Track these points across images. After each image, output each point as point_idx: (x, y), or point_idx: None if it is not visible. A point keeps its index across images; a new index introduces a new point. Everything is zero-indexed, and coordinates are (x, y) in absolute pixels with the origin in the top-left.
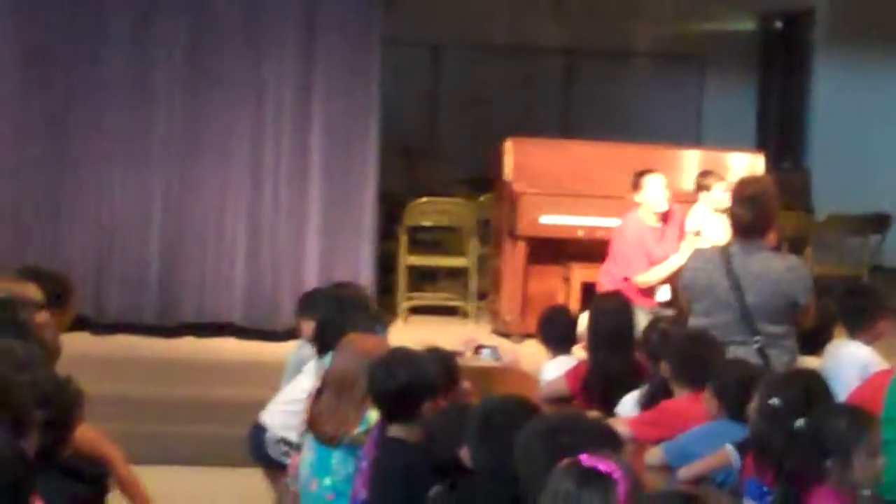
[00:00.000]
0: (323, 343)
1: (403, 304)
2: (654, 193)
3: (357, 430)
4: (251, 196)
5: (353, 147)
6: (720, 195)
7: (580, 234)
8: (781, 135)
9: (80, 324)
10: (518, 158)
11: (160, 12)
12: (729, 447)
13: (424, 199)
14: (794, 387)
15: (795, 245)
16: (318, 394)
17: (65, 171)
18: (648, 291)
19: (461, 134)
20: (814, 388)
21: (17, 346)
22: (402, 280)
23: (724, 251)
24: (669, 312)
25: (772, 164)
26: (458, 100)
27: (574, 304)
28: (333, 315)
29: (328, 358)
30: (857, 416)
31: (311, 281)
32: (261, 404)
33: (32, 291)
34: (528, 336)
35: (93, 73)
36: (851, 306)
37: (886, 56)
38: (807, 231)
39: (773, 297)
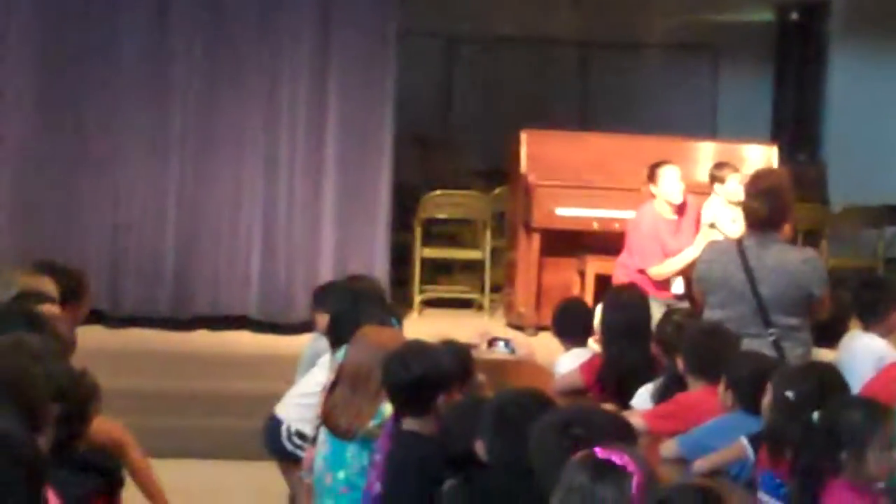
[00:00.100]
0: (337, 336)
1: (418, 297)
2: (669, 185)
3: (371, 424)
4: (266, 189)
5: (368, 139)
6: (734, 187)
7: (595, 226)
8: (797, 126)
9: (95, 317)
10: (533, 150)
11: (175, 8)
12: (743, 440)
13: (439, 192)
14: (808, 379)
15: (811, 237)
16: (333, 387)
17: (80, 166)
18: (663, 283)
19: (476, 125)
20: (828, 381)
21: (32, 340)
22: (416, 272)
23: (739, 244)
24: (684, 305)
25: (787, 155)
26: (473, 91)
27: (589, 296)
28: (348, 308)
29: (342, 351)
30: (872, 409)
31: (326, 274)
32: (276, 397)
33: (48, 285)
34: (543, 329)
35: (108, 68)
36: (866, 298)
37: None
38: (822, 223)
39: (788, 288)
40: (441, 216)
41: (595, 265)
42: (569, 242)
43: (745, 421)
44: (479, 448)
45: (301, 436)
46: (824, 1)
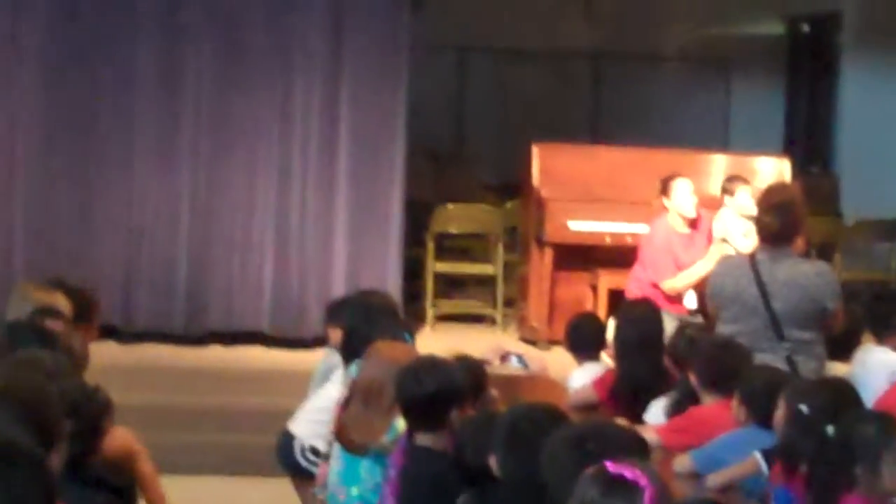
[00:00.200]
0: (350, 351)
1: (430, 312)
2: (682, 198)
3: (385, 439)
4: (278, 203)
5: (381, 152)
6: (744, 199)
7: (608, 240)
8: (809, 139)
9: (108, 333)
10: (545, 164)
11: (187, 17)
12: (757, 454)
13: (451, 206)
14: (822, 393)
15: (824, 250)
16: (346, 402)
17: (92, 178)
18: (676, 297)
19: (488, 139)
20: (842, 395)
21: (45, 356)
22: (429, 287)
23: (752, 258)
24: (697, 319)
25: (800, 168)
26: (486, 104)
27: (601, 310)
28: (361, 323)
29: (355, 366)
30: (887, 423)
31: (339, 288)
32: (289, 413)
33: (61, 302)
34: (556, 343)
35: (119, 79)
36: (879, 311)
37: None
38: (835, 236)
39: (801, 302)
40: (453, 230)
41: (608, 279)
42: (581, 256)
43: (758, 435)
44: (493, 463)
45: (314, 451)
46: (835, 13)
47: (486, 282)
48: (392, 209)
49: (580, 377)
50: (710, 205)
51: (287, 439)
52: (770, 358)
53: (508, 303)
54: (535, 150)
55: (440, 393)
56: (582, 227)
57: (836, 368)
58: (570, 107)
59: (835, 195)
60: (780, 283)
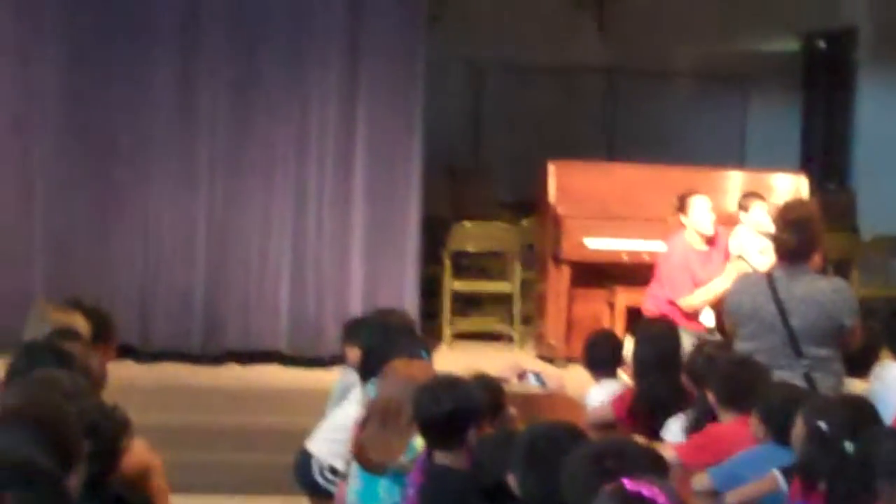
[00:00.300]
0: (368, 369)
1: (448, 330)
2: (699, 215)
3: (403, 458)
4: (294, 221)
5: (397, 170)
6: (760, 215)
7: (624, 257)
8: (826, 155)
9: (126, 352)
10: (561, 181)
11: (204, 37)
12: (776, 472)
13: (468, 224)
14: (840, 410)
15: (841, 267)
16: (364, 421)
17: (109, 198)
18: (694, 314)
19: (505, 156)
20: (860, 412)
21: (63, 377)
22: (446, 305)
23: (769, 275)
24: (715, 336)
25: (816, 184)
26: (501, 122)
27: (619, 328)
28: (379, 341)
29: (373, 385)
30: None
31: (355, 307)
32: (306, 432)
33: (78, 322)
34: (573, 361)
35: (136, 99)
36: None
37: None
38: (852, 252)
39: (819, 319)
40: (470, 248)
41: (625, 296)
42: (598, 274)
43: (777, 453)
44: (511, 482)
45: (333, 471)
46: (851, 29)
47: (503, 299)
48: (409, 227)
49: (598, 395)
50: (727, 222)
51: (305, 458)
52: (788, 375)
53: (526, 320)
54: (551, 168)
55: (458, 411)
56: (599, 244)
57: (854, 385)
58: (586, 124)
59: (852, 211)
60: (797, 300)
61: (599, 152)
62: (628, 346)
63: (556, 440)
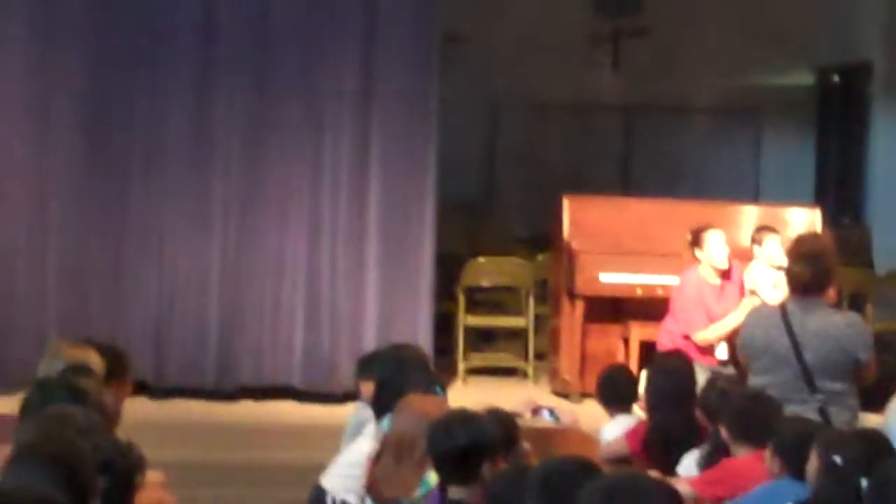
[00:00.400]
0: (382, 404)
1: (462, 365)
2: (715, 250)
3: (417, 493)
4: (309, 257)
5: (411, 206)
6: (773, 249)
7: (639, 292)
8: (840, 189)
9: (140, 389)
10: (575, 216)
11: (219, 75)
12: None
13: (482, 259)
14: (855, 444)
15: (855, 301)
16: (378, 456)
17: (124, 235)
18: (708, 349)
19: (519, 191)
20: (875, 446)
21: (77, 413)
22: (460, 341)
23: (783, 309)
24: (729, 370)
25: (830, 219)
26: (516, 157)
27: (633, 363)
28: (392, 376)
29: (387, 420)
30: None
31: (369, 343)
32: (321, 467)
33: (93, 358)
34: (588, 396)
35: (151, 136)
36: None
37: None
38: (867, 287)
39: (832, 353)
40: (484, 283)
41: (639, 331)
42: (612, 309)
43: (792, 487)
44: None
45: None
46: (865, 63)
47: (518, 335)
48: (423, 263)
49: (612, 430)
50: (742, 256)
51: (319, 494)
52: (802, 409)
53: (540, 356)
54: (566, 203)
55: (472, 446)
56: (613, 279)
57: (869, 419)
58: (601, 159)
59: (866, 246)
60: (811, 334)
61: (614, 188)
62: (643, 382)
63: (569, 474)
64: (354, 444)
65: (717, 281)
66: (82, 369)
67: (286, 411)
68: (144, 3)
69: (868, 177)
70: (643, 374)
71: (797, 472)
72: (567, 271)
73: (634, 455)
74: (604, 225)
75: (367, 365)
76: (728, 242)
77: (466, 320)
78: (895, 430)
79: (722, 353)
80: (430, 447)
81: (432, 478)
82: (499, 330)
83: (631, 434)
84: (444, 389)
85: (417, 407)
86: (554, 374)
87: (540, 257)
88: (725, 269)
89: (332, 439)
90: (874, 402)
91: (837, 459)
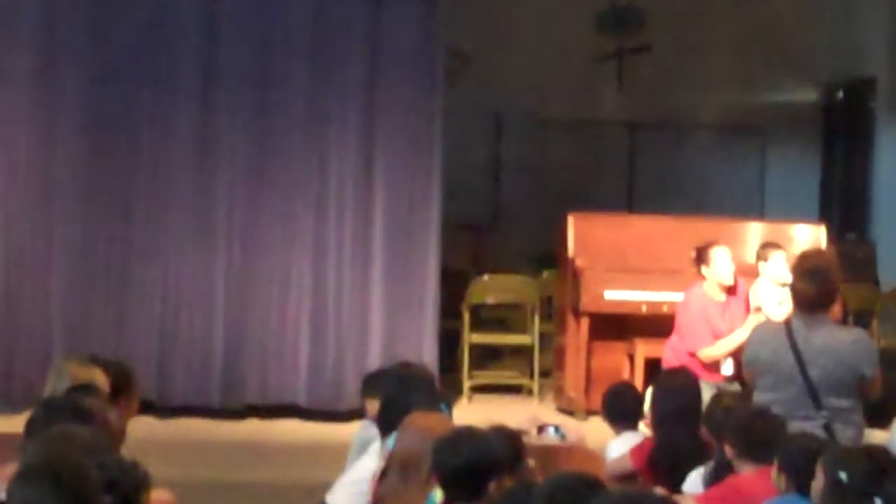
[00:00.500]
0: (387, 422)
1: (467, 383)
2: (721, 266)
3: None
4: (313, 275)
5: (416, 223)
6: (779, 265)
7: (644, 309)
8: (845, 206)
9: (145, 408)
10: (580, 234)
11: (223, 93)
12: None
13: (487, 277)
14: (860, 461)
15: (861, 317)
16: (383, 474)
17: (129, 254)
18: (713, 366)
19: (524, 208)
20: (881, 462)
21: (82, 432)
22: (465, 358)
23: (787, 325)
24: (734, 387)
25: (836, 235)
26: (521, 174)
27: (639, 380)
28: (398, 394)
29: (393, 438)
30: None
31: (375, 361)
32: (326, 486)
33: (98, 377)
34: (593, 413)
35: (155, 154)
36: None
37: None
38: (872, 303)
39: (837, 370)
40: (489, 301)
41: (644, 348)
42: (618, 326)
43: None
44: None
45: None
46: (869, 79)
47: (523, 352)
48: (428, 281)
49: (618, 447)
50: (747, 272)
51: None
52: (807, 426)
53: (545, 373)
54: (571, 220)
55: (478, 464)
56: (618, 296)
57: (875, 436)
58: (606, 176)
59: (871, 262)
60: (816, 351)
61: (619, 205)
62: (649, 399)
63: (575, 492)
64: (360, 461)
65: (722, 297)
66: (88, 388)
67: (291, 429)
68: (148, 18)
69: (873, 193)
70: (648, 392)
71: (803, 489)
72: (572, 288)
73: (640, 472)
74: (609, 242)
75: (373, 383)
76: (733, 259)
77: (471, 338)
78: None
79: (728, 369)
80: (435, 465)
81: (438, 495)
82: (504, 347)
83: (636, 451)
84: (449, 407)
85: (423, 425)
86: (559, 392)
87: (545, 274)
88: (731, 285)
89: (338, 457)
90: (879, 419)
91: (843, 476)
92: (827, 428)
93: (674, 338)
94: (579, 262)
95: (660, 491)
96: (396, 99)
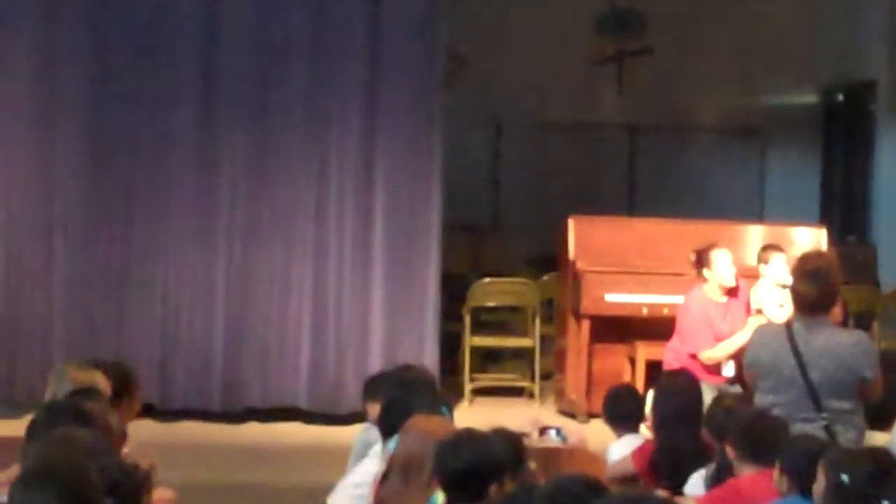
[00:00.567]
0: (388, 425)
1: (468, 386)
2: (723, 269)
3: None
4: (314, 278)
5: (416, 227)
6: (780, 268)
7: (644, 311)
8: (845, 208)
9: (146, 411)
10: (580, 236)
11: (224, 96)
12: None
13: (488, 280)
14: (862, 463)
15: (861, 320)
16: (384, 477)
17: (129, 258)
18: (714, 368)
19: (524, 211)
20: (883, 464)
21: (84, 435)
22: (466, 361)
23: (788, 328)
24: (736, 389)
25: (836, 237)
26: (521, 177)
27: (640, 382)
28: (399, 397)
29: (394, 441)
30: None
31: (375, 364)
32: (328, 489)
33: (100, 381)
34: (594, 416)
35: (156, 157)
36: None
37: None
38: (873, 305)
39: (838, 372)
40: (490, 304)
41: (645, 351)
42: (618, 328)
43: None
44: None
45: None
46: (870, 82)
47: (524, 355)
48: (428, 284)
49: (619, 450)
50: (748, 275)
51: None
52: (808, 428)
53: (546, 376)
54: (571, 223)
55: (479, 466)
56: (619, 298)
57: (876, 438)
58: (606, 179)
59: (872, 264)
60: (816, 354)
61: (620, 208)
62: (650, 401)
63: (576, 494)
64: (361, 464)
65: (723, 299)
66: (89, 392)
67: (292, 433)
68: (148, 18)
69: (873, 195)
70: (650, 394)
71: (805, 491)
72: (573, 291)
73: (641, 474)
74: (609, 245)
75: (374, 386)
76: (734, 262)
77: (472, 341)
78: None
79: (729, 371)
80: (437, 467)
81: (439, 498)
82: (505, 350)
83: (637, 453)
84: (450, 410)
85: (424, 427)
86: (560, 394)
87: (545, 277)
88: (733, 286)
89: (339, 460)
90: (880, 421)
91: (845, 478)
92: (828, 430)
93: (675, 340)
94: (580, 265)
95: (661, 493)
96: (396, 105)
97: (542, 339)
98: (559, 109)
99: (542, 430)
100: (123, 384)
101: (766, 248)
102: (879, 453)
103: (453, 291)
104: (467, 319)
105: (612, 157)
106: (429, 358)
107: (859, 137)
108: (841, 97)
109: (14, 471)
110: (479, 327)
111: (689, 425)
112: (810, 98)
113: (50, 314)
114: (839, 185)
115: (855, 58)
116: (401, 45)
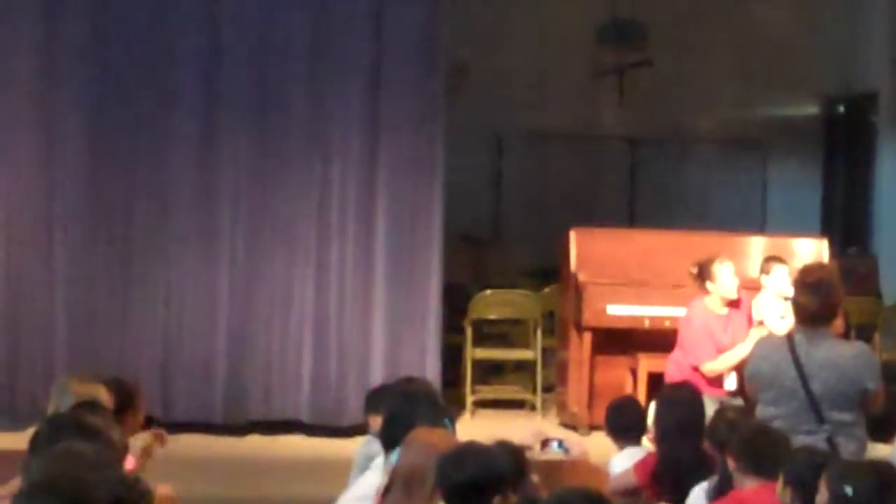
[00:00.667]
0: (390, 438)
1: (470, 398)
2: (726, 281)
3: None
4: (316, 291)
5: (417, 239)
6: (781, 278)
7: (646, 323)
8: (847, 219)
9: (147, 423)
10: (582, 248)
11: (225, 108)
12: None
13: (489, 292)
14: (864, 475)
15: (863, 331)
16: (386, 490)
17: (131, 270)
18: (716, 380)
19: (526, 223)
20: (885, 476)
21: (86, 448)
22: (467, 373)
23: (789, 339)
24: (738, 401)
25: (838, 249)
26: (522, 189)
27: (641, 394)
28: (401, 409)
29: (396, 453)
30: None
31: (377, 376)
32: (330, 501)
33: (102, 394)
34: (596, 428)
35: (156, 172)
36: None
37: None
38: (875, 317)
39: (839, 384)
40: (491, 316)
41: (647, 363)
42: (620, 340)
43: None
44: None
45: None
46: (871, 94)
47: (525, 367)
48: (430, 296)
49: (621, 462)
50: (749, 286)
51: None
52: (810, 440)
53: (548, 388)
54: (573, 235)
55: (482, 479)
56: (620, 311)
57: (877, 449)
58: (607, 191)
59: (874, 276)
60: (818, 366)
61: (620, 219)
62: (652, 413)
63: None
64: (363, 477)
65: (725, 311)
66: (92, 405)
67: (294, 445)
68: (148, 18)
69: (875, 206)
70: (652, 406)
71: (809, 503)
72: (574, 303)
73: (643, 487)
74: (611, 256)
75: (376, 398)
76: (735, 273)
77: (474, 353)
78: None
79: (731, 383)
80: (439, 480)
81: None
82: (506, 362)
83: (639, 465)
84: (452, 422)
85: (426, 440)
86: (562, 406)
87: (547, 289)
88: (735, 298)
89: (341, 473)
90: (882, 433)
91: (848, 491)
92: (829, 442)
93: (677, 352)
94: (581, 277)
95: None
96: (398, 116)
97: (544, 351)
98: (560, 121)
99: (545, 443)
100: (126, 399)
101: (768, 259)
102: (882, 466)
103: (454, 303)
104: (469, 331)
105: (613, 168)
106: (430, 370)
107: (861, 149)
108: (842, 108)
109: (16, 484)
110: (481, 339)
111: (691, 438)
112: (812, 109)
113: (51, 314)
114: (841, 197)
115: (856, 69)
116: (403, 57)
